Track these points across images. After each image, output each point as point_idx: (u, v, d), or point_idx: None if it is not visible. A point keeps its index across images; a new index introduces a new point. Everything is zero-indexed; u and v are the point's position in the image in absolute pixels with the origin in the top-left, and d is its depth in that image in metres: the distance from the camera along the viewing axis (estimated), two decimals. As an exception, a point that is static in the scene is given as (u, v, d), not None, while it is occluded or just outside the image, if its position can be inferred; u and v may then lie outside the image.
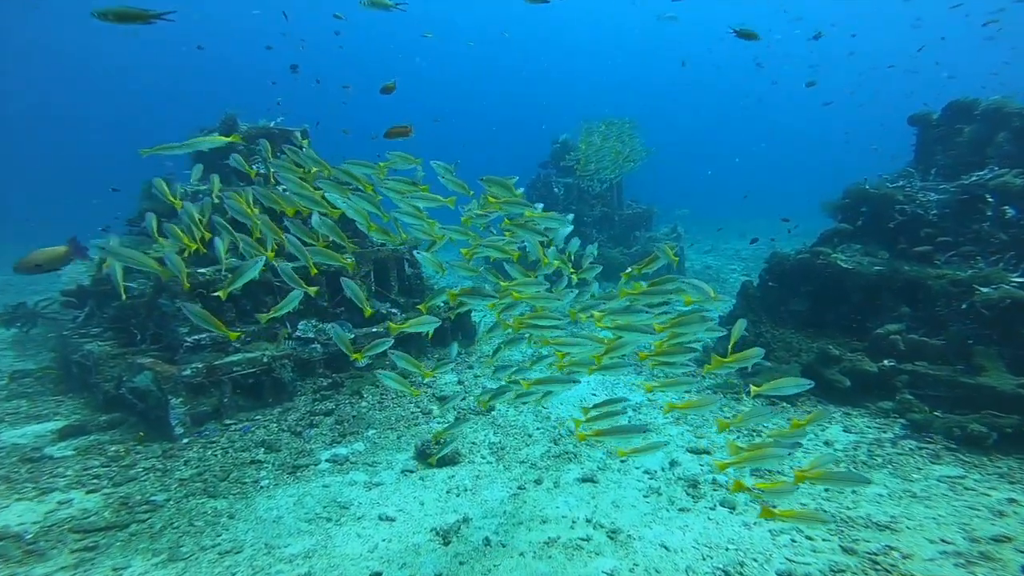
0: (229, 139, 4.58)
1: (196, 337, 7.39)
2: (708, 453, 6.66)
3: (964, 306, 7.29)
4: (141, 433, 7.23)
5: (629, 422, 7.68)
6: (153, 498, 5.90)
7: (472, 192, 4.87)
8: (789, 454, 4.28)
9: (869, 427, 7.08)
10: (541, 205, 4.91)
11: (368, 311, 4.96)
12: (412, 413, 8.00)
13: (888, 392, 7.55)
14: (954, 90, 10.91)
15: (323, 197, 4.42)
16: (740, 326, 4.85)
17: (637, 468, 6.35)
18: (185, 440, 7.04)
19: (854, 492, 5.52)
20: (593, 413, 4.64)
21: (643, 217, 20.05)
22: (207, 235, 4.63)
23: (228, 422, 7.44)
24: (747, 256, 21.87)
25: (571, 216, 5.20)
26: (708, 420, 7.64)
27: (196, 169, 5.81)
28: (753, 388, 4.51)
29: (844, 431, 7.04)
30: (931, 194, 8.83)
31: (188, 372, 7.12)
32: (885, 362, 7.71)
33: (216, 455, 6.83)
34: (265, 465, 6.58)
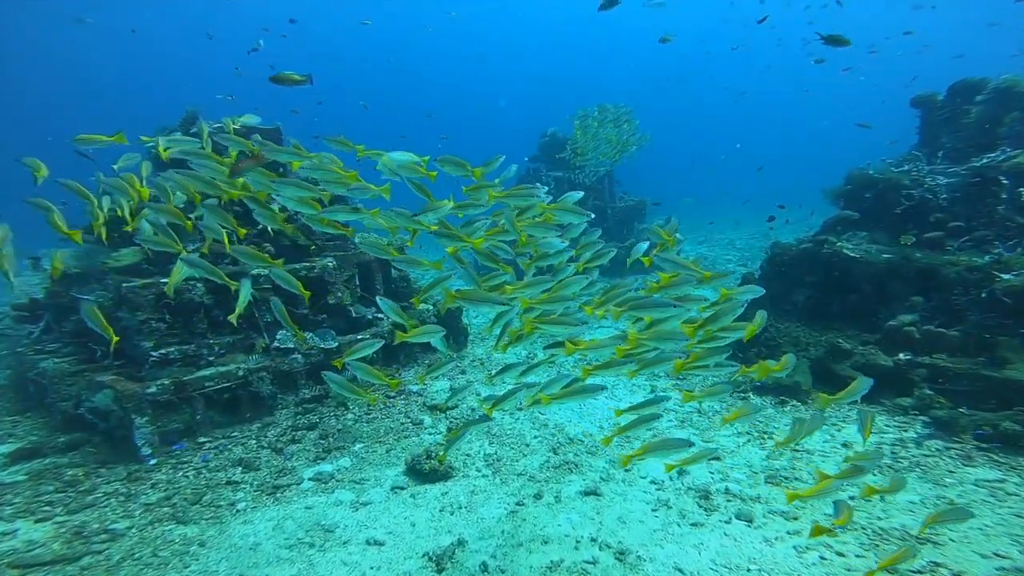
0: (111, 138, 4.13)
1: (163, 351, 6.81)
2: (717, 459, 6.22)
3: (984, 294, 6.88)
4: (91, 449, 6.67)
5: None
6: (113, 526, 5.35)
7: (435, 174, 4.32)
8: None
9: (888, 426, 6.67)
10: (546, 188, 4.39)
11: (306, 294, 4.44)
12: (402, 424, 7.50)
13: (905, 387, 7.14)
14: (955, 73, 10.53)
15: (244, 185, 3.89)
16: (761, 318, 4.40)
17: (643, 478, 5.91)
18: (152, 461, 6.49)
19: (883, 500, 5.09)
20: (628, 418, 4.16)
21: (636, 210, 19.69)
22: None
23: (202, 440, 6.89)
24: (742, 246, 21.51)
25: (580, 195, 4.70)
26: (716, 423, 7.21)
27: (124, 157, 5.25)
28: (823, 397, 4.13)
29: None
30: (940, 178, 8.44)
31: (154, 389, 6.55)
32: (900, 356, 7.30)
33: (188, 476, 6.29)
34: (242, 486, 6.05)
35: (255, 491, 5.94)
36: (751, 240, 22.21)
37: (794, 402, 7.67)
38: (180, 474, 6.34)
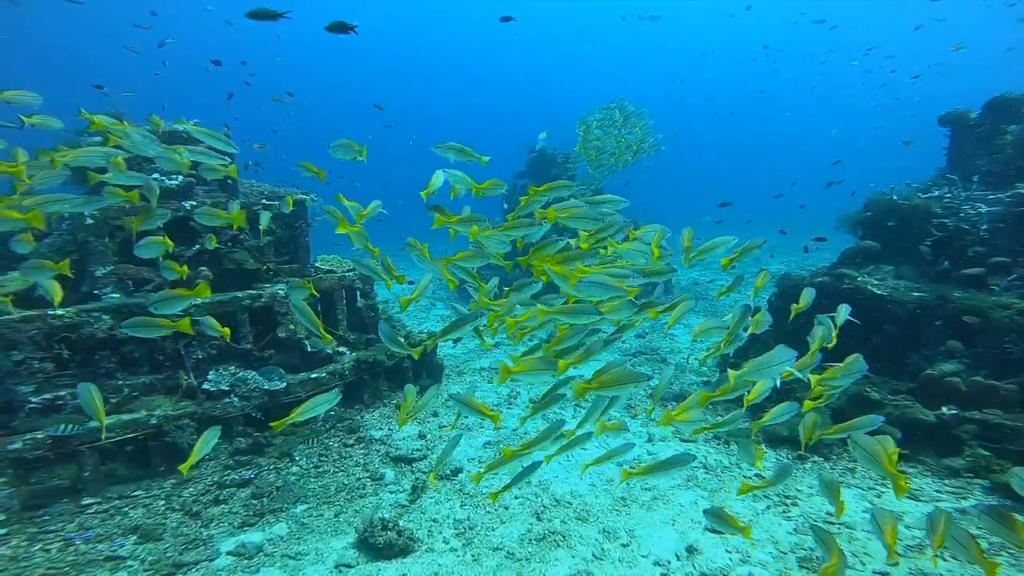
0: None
1: (45, 396, 5.48)
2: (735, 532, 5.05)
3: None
4: None
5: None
6: None
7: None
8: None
9: (940, 492, 5.57)
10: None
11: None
12: (358, 480, 6.24)
13: (950, 445, 6.08)
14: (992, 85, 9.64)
15: None
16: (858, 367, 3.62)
17: (644, 556, 4.78)
18: (2, 531, 5.04)
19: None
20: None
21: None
22: None
23: (88, 501, 5.49)
24: (735, 272, 20.64)
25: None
26: (725, 483, 6.07)
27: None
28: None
29: (909, 497, 5.51)
30: (980, 205, 7.48)
31: (19, 445, 5.21)
32: (944, 409, 6.24)
33: (49, 549, 4.87)
34: (128, 564, 4.70)
35: (146, 571, 4.59)
36: (742, 266, 21.37)
37: (816, 457, 6.58)
38: (38, 547, 4.91)
